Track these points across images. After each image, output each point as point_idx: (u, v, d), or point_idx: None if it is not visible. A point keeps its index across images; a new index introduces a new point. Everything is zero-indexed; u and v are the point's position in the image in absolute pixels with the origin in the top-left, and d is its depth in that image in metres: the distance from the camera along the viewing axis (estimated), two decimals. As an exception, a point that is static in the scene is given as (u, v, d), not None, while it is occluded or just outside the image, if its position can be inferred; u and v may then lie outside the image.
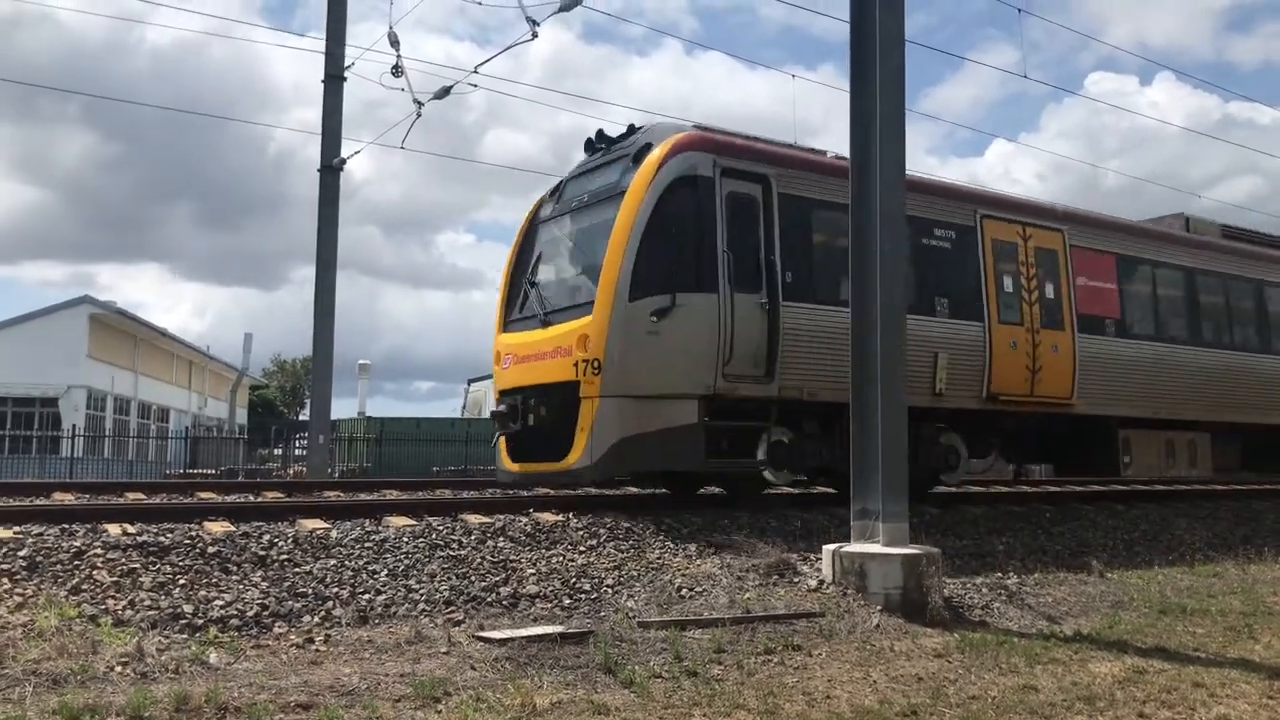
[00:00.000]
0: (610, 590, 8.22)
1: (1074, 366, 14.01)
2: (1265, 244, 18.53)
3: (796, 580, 8.81)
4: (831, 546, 8.93)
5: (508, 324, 12.62)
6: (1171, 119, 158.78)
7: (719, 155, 11.48)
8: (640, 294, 10.77)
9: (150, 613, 6.72)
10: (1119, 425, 14.85)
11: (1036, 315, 13.74)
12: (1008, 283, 13.64)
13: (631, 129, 12.22)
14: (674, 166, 11.20)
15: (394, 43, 20.59)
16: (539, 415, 11.52)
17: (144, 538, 8.05)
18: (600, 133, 12.58)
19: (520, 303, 12.59)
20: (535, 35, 15.76)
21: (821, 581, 8.69)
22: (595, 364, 10.73)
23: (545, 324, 11.74)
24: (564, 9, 15.29)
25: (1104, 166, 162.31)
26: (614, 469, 11.06)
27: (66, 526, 8.20)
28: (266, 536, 8.49)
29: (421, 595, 7.68)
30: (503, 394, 12.23)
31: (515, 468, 11.83)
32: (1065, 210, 15.35)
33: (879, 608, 8.16)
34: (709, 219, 11.23)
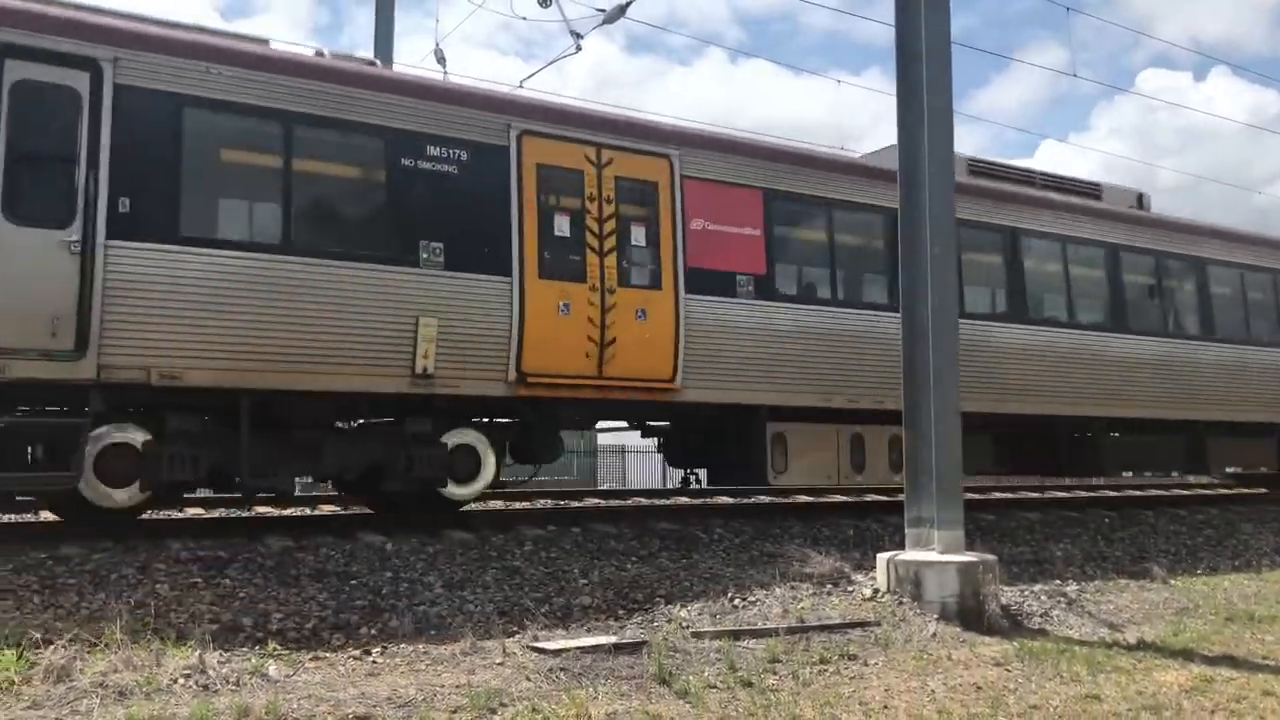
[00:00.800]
0: (663, 600, 8.20)
1: (676, 338, 10.63)
2: (1036, 184, 14.47)
3: (851, 589, 8.74)
4: (886, 555, 8.85)
5: None
6: (1229, 115, 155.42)
7: None
8: None
9: (211, 626, 6.82)
10: (767, 417, 11.45)
11: (611, 269, 10.40)
12: (561, 224, 10.25)
13: None
14: None
15: (440, 59, 20.77)
16: None
17: (204, 552, 8.19)
18: None
19: None
20: (579, 48, 15.87)
21: (876, 590, 8.61)
22: None
23: None
24: (607, 21, 15.39)
25: (1159, 165, 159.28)
26: None
27: (129, 542, 8.36)
28: (323, 549, 8.60)
29: (476, 607, 7.72)
30: None
31: None
32: (677, 130, 11.68)
33: (935, 616, 8.07)
34: None
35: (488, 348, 9.73)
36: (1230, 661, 7.13)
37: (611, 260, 10.44)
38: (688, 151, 11.12)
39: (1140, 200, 15.74)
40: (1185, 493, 17.25)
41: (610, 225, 10.51)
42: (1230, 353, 15.41)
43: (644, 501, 13.78)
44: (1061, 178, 15.14)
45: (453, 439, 9.99)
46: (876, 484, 12.96)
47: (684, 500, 14.11)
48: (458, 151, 9.80)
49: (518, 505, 13.04)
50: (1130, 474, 17.39)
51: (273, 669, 6.10)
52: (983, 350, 12.72)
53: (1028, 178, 14.53)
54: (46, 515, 10.57)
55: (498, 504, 13.39)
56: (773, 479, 11.49)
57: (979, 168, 14.09)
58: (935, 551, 8.53)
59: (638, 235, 10.69)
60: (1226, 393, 15.15)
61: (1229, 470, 17.52)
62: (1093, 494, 17.55)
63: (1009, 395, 13.00)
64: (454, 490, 10.07)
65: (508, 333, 9.78)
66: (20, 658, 5.66)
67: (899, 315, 11.22)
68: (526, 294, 9.91)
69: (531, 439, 10.74)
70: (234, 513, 11.68)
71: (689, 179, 11.00)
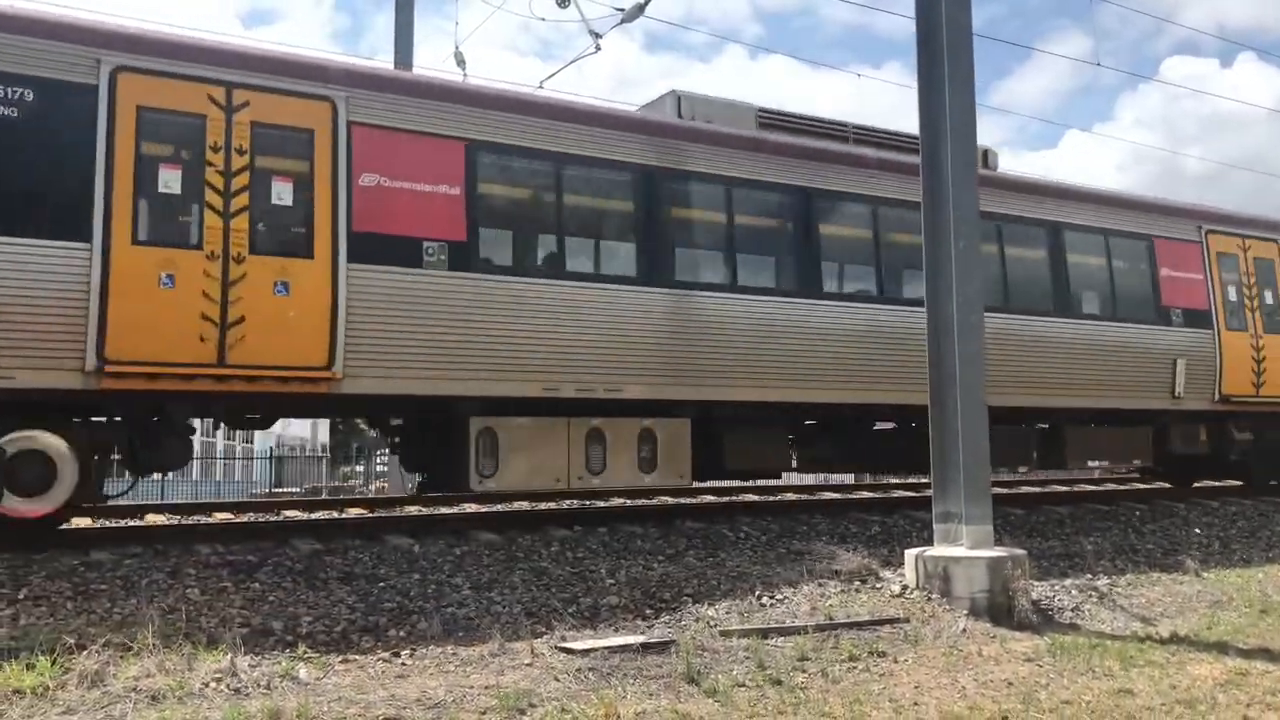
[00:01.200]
0: (690, 599, 8.20)
1: (334, 316, 8.94)
2: (849, 139, 12.50)
3: (879, 586, 8.70)
4: (914, 551, 8.80)
5: None
6: (1256, 101, 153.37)
7: None
8: None
9: (242, 629, 6.87)
10: (475, 411, 9.84)
11: (241, 233, 8.69)
12: (168, 179, 8.63)
13: None
14: None
15: (460, 62, 20.92)
16: None
17: (233, 556, 8.26)
18: None
19: None
20: (598, 48, 15.92)
21: (905, 586, 8.57)
22: None
23: None
24: (626, 20, 15.42)
25: (1185, 153, 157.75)
26: None
27: (160, 547, 8.44)
28: (351, 552, 8.65)
29: (504, 608, 7.75)
30: None
31: None
32: (346, 69, 9.81)
33: (965, 612, 8.02)
34: None
35: (54, 330, 8.03)
36: (1265, 654, 7.04)
37: (241, 222, 8.71)
38: (360, 94, 9.38)
39: (985, 158, 13.63)
40: (1216, 485, 17.02)
41: (241, 180, 8.78)
42: (1090, 330, 13.51)
43: (670, 500, 13.78)
44: (881, 132, 12.95)
45: (13, 443, 8.17)
46: (620, 486, 10.92)
47: (710, 498, 14.10)
48: (18, 90, 8.13)
49: (544, 506, 13.08)
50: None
51: (303, 672, 6.13)
52: (774, 330, 11.14)
53: (838, 132, 12.46)
54: (77, 521, 10.68)
55: (524, 505, 13.43)
56: (477, 484, 9.79)
57: (769, 119, 12.10)
58: (964, 547, 8.47)
59: (282, 192, 9.00)
60: (1086, 376, 13.28)
61: (1091, 464, 15.35)
62: (1122, 487, 17.39)
63: (811, 381, 11.27)
64: (15, 505, 8.18)
65: (84, 311, 8.10)
66: (55, 663, 5.72)
67: (648, 290, 10.57)
68: (112, 263, 8.23)
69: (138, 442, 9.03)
70: (263, 517, 11.77)
71: (360, 126, 9.30)
